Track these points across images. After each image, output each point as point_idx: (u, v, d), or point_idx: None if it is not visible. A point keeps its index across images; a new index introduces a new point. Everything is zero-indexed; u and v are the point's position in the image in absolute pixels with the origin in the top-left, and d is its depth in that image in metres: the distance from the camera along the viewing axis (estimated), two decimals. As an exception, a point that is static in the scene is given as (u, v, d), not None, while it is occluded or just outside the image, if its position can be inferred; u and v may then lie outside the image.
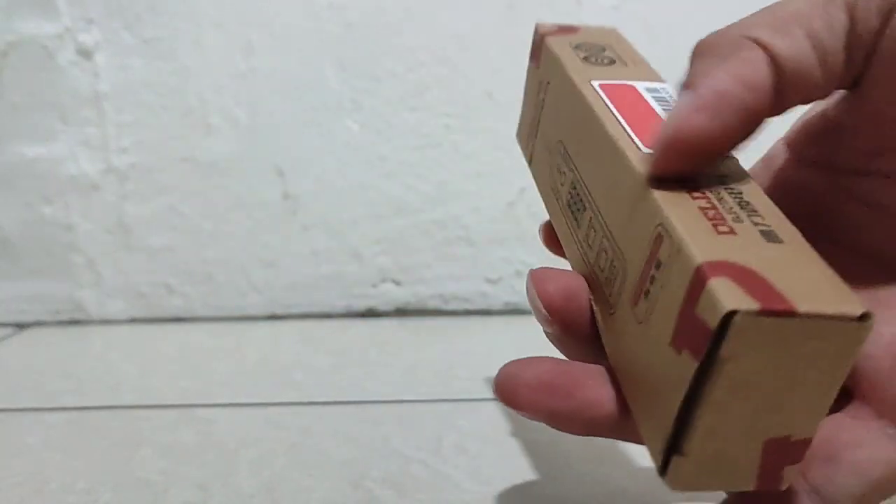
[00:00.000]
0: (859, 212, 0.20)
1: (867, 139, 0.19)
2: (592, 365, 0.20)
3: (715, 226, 0.16)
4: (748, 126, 0.18)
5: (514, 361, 0.20)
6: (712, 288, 0.14)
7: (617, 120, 0.21)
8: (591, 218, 0.21)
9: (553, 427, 0.20)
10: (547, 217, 0.26)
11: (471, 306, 0.57)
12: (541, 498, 0.28)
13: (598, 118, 0.21)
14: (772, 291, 0.14)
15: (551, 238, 0.26)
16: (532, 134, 0.28)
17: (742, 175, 0.19)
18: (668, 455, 0.16)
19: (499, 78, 0.54)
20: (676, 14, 0.54)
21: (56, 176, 0.55)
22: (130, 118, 0.54)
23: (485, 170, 0.55)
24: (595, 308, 0.21)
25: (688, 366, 0.15)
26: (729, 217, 0.17)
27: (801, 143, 0.21)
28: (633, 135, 0.20)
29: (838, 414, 0.18)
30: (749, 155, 0.22)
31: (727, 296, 0.14)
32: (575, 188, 0.22)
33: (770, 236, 0.16)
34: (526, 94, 0.29)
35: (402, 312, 0.57)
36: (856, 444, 0.17)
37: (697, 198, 0.17)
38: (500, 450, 0.33)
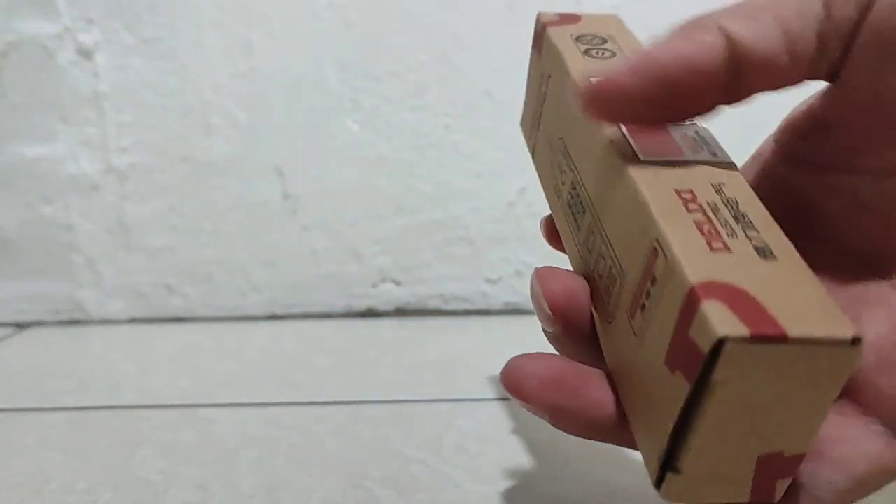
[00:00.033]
0: (842, 209, 0.19)
1: (848, 135, 0.19)
2: (593, 368, 0.20)
3: (709, 242, 0.16)
4: (682, 100, 0.18)
5: (522, 355, 0.20)
6: (705, 311, 0.15)
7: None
8: (590, 222, 0.21)
9: (553, 424, 0.20)
10: (548, 212, 0.26)
11: (471, 306, 0.57)
12: (541, 498, 0.28)
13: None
14: (764, 315, 0.14)
15: (552, 233, 0.26)
16: (535, 126, 0.28)
17: (738, 182, 0.19)
18: (664, 471, 0.16)
19: (499, 78, 0.54)
20: (676, 14, 0.53)
21: (56, 176, 0.55)
22: (130, 118, 0.54)
23: (485, 170, 0.55)
24: (594, 314, 0.21)
25: (681, 387, 0.15)
26: (723, 232, 0.17)
27: (788, 139, 0.21)
28: (631, 140, 0.20)
29: None
30: (741, 152, 0.23)
31: (719, 320, 0.14)
32: (575, 189, 0.22)
33: (764, 252, 0.16)
34: (529, 83, 0.28)
35: (402, 312, 0.57)
36: (841, 441, 0.17)
37: (693, 210, 0.17)
38: (500, 450, 0.33)
